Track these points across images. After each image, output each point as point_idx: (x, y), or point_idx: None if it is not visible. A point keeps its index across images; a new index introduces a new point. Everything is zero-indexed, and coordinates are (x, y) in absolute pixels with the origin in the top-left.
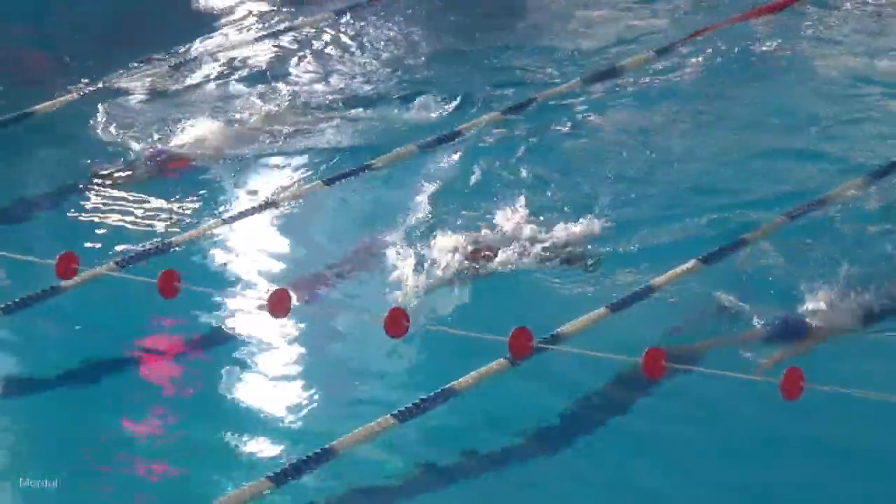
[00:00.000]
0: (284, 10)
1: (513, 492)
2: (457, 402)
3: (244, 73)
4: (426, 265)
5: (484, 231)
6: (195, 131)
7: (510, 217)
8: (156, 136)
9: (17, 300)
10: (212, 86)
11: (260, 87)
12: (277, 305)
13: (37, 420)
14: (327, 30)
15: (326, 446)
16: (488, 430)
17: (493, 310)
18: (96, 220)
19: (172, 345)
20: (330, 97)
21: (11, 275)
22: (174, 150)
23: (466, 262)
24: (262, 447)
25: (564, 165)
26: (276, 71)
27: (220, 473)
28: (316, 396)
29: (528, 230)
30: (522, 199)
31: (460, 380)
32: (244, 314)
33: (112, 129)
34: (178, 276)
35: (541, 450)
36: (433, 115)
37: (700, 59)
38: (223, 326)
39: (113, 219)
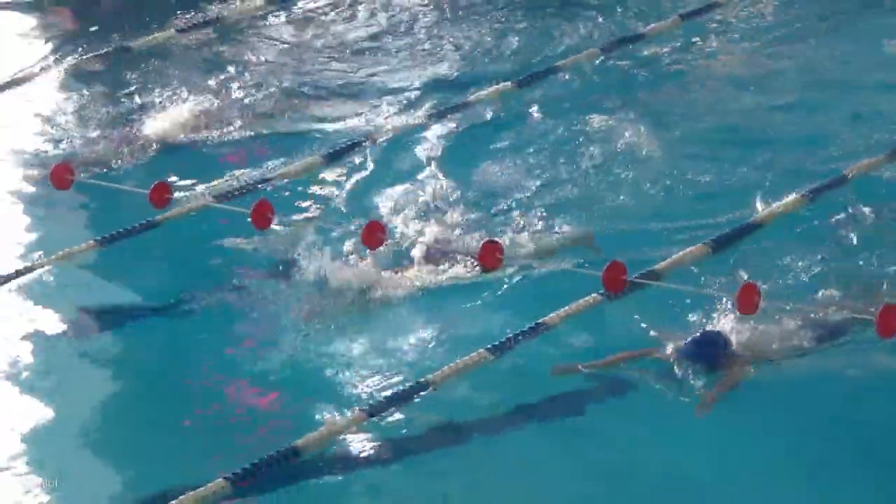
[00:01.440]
0: None
1: (606, 424)
2: (549, 336)
3: None
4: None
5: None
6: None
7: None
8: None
9: (113, 233)
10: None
11: None
12: (371, 238)
13: (134, 351)
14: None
15: (421, 379)
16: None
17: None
18: (191, 153)
19: (265, 275)
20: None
21: (108, 207)
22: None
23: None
24: (356, 379)
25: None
26: None
27: (315, 402)
28: (412, 330)
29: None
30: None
31: (552, 314)
32: (337, 246)
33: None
34: (271, 208)
35: (633, 383)
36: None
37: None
38: (315, 259)
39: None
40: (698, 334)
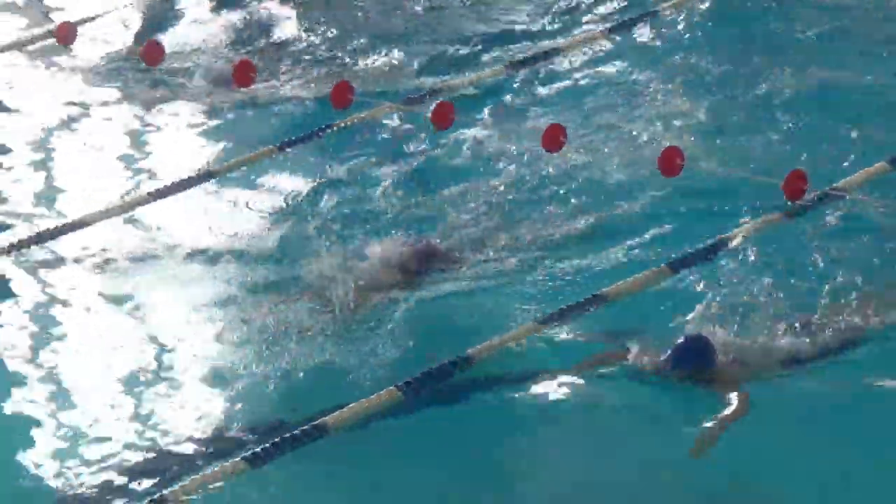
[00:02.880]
0: None
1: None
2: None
3: None
4: None
5: None
6: None
7: None
8: None
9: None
10: None
11: None
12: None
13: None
14: None
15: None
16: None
17: None
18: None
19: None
20: None
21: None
22: None
23: None
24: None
25: None
26: None
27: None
28: None
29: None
30: None
31: (736, 230)
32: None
33: None
34: (452, 108)
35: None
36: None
37: None
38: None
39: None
40: (683, 340)
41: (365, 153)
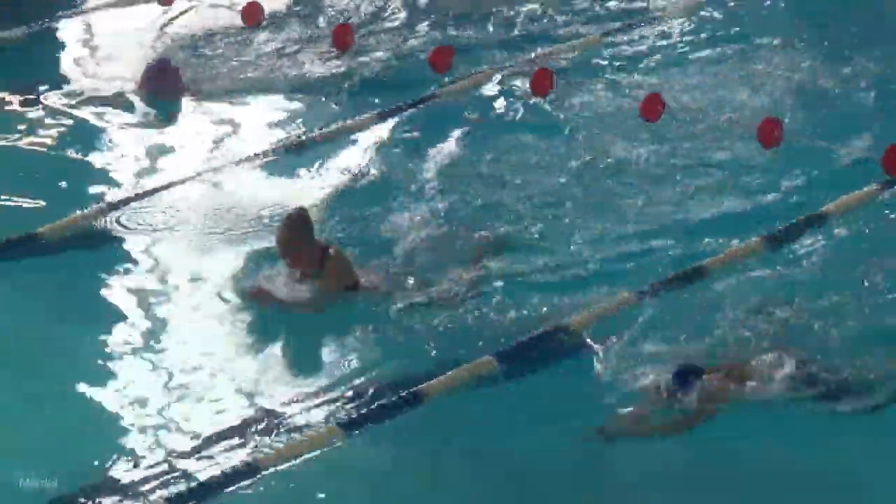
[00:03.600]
0: None
1: None
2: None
3: None
4: None
5: None
6: None
7: None
8: None
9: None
10: None
11: None
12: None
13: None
14: None
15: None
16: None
17: None
18: None
19: None
20: None
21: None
22: None
23: None
24: None
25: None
26: None
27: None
28: None
29: None
30: None
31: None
32: None
33: None
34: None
35: None
36: None
37: None
38: None
39: None
40: (678, 367)
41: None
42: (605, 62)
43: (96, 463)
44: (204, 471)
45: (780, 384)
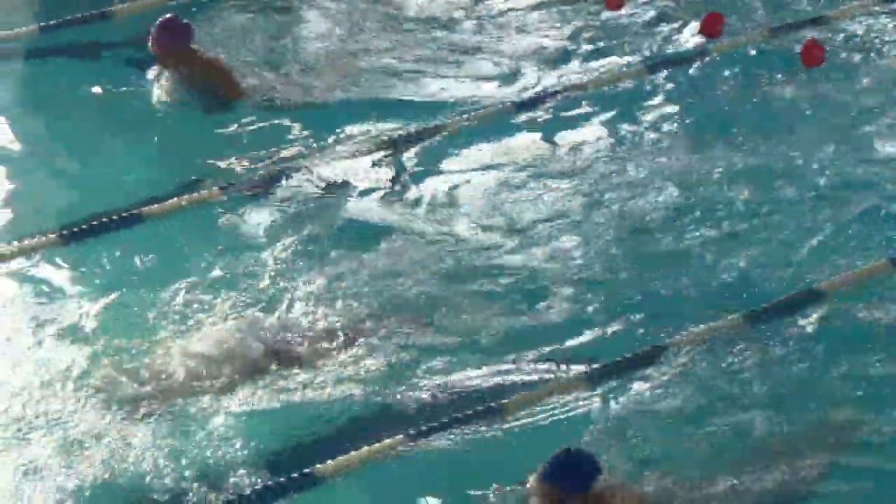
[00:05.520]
0: None
1: None
2: None
3: None
4: None
5: None
6: None
7: None
8: None
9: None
10: None
11: None
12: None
13: None
14: None
15: None
16: None
17: None
18: None
19: None
20: None
21: None
22: None
23: None
24: None
25: None
26: None
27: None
28: None
29: None
30: None
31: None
32: None
33: None
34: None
35: None
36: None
37: None
38: None
39: None
40: (563, 454)
41: None
42: None
43: None
44: None
45: None
